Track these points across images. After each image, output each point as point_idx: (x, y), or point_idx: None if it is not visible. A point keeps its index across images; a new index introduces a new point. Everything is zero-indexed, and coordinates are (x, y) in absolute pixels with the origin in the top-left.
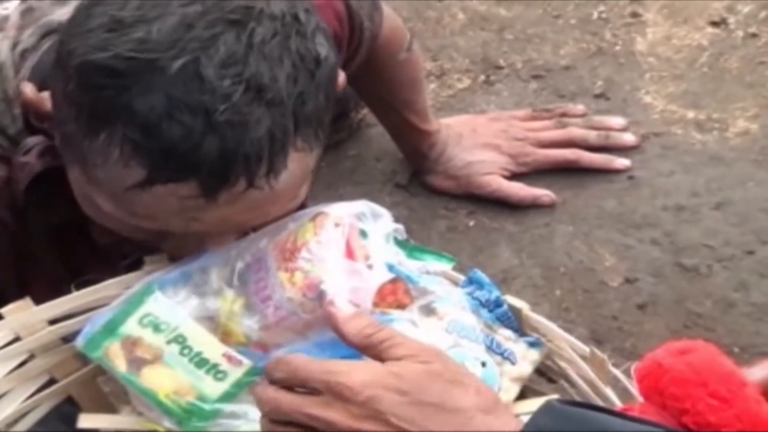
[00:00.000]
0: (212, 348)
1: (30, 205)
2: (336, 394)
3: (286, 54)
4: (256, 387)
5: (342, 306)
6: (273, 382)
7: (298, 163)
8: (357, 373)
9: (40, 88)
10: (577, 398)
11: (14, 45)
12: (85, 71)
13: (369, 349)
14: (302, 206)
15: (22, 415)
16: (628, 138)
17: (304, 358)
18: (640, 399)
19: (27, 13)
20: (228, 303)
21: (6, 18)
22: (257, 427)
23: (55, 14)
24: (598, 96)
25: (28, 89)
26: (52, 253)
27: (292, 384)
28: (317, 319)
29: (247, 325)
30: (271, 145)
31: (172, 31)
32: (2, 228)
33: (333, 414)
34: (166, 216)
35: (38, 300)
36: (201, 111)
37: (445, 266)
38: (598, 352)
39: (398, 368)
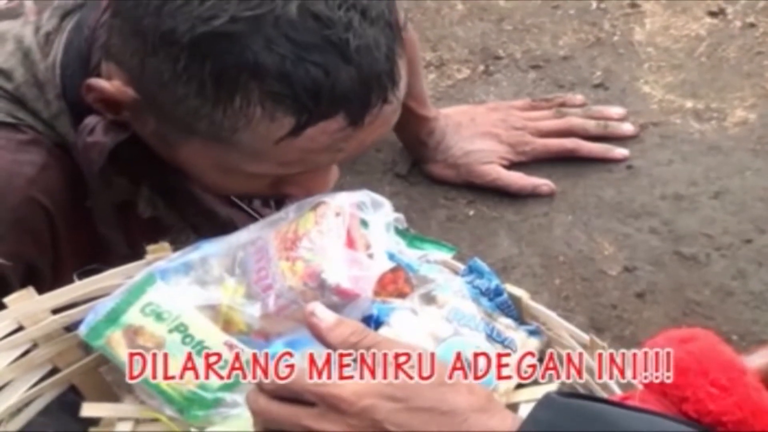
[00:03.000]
0: (213, 337)
1: (97, 184)
2: (330, 405)
3: None
4: (248, 396)
5: (323, 315)
6: (264, 391)
7: (403, 68)
8: (349, 383)
9: (79, 69)
10: (577, 386)
11: (37, 29)
12: (201, 43)
13: None
14: None
15: (26, 405)
16: (627, 127)
17: (295, 369)
18: (640, 386)
19: None
20: (229, 292)
21: (22, 4)
22: None
23: None
24: (596, 86)
25: (104, 84)
26: (120, 232)
27: (283, 395)
28: None
29: (249, 314)
30: (390, 58)
31: None
32: (41, 212)
33: (329, 425)
34: (315, 155)
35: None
36: (331, 46)
37: (445, 255)
38: (597, 340)
39: None
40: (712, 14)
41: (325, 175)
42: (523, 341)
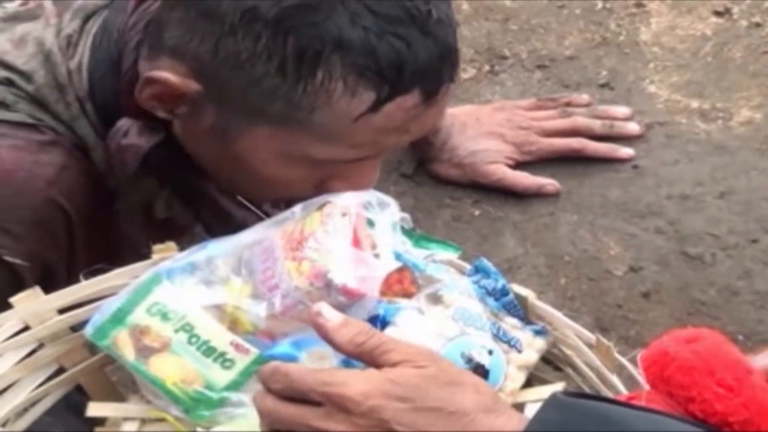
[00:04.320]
0: (220, 336)
1: (126, 186)
2: (337, 405)
3: None
4: (255, 397)
5: (330, 315)
6: (271, 392)
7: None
8: (356, 383)
9: (109, 72)
10: (583, 386)
11: (58, 32)
12: (286, 18)
13: (362, 357)
14: None
15: (32, 404)
16: (633, 127)
17: (300, 369)
18: (646, 386)
19: None
20: (235, 292)
21: (41, 5)
22: None
23: None
24: (602, 86)
25: (168, 75)
26: (146, 232)
27: (290, 395)
28: None
29: (255, 314)
30: (455, 36)
31: None
32: (60, 213)
33: (336, 425)
34: (386, 136)
35: None
36: (411, 18)
37: (451, 255)
38: (603, 339)
39: (395, 375)
40: (718, 14)
41: (373, 170)
42: (529, 341)
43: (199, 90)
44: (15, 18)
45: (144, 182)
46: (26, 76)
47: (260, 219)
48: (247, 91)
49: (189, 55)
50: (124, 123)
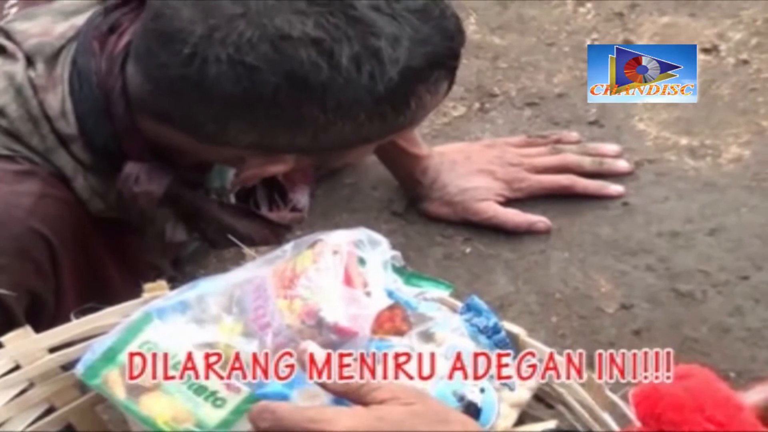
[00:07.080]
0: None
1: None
2: None
3: None
4: None
5: (317, 354)
6: (259, 430)
7: None
8: (343, 420)
9: (100, 119)
10: (576, 424)
11: (26, 67)
12: (383, 98)
13: (349, 395)
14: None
15: None
16: (622, 164)
17: (288, 407)
18: (638, 423)
19: (9, 36)
20: (227, 330)
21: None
22: None
23: (34, 33)
24: (591, 123)
25: (281, 167)
26: (167, 256)
27: None
28: None
29: (246, 352)
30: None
31: None
32: (42, 241)
33: None
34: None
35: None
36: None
37: (443, 293)
38: (594, 377)
39: (382, 412)
40: (706, 51)
41: None
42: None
43: (298, 156)
44: None
45: (160, 212)
46: None
47: (263, 226)
48: (353, 144)
49: (278, 146)
50: (131, 169)
